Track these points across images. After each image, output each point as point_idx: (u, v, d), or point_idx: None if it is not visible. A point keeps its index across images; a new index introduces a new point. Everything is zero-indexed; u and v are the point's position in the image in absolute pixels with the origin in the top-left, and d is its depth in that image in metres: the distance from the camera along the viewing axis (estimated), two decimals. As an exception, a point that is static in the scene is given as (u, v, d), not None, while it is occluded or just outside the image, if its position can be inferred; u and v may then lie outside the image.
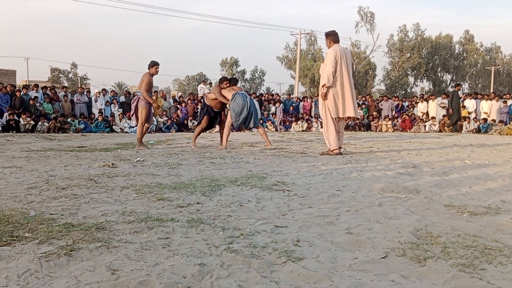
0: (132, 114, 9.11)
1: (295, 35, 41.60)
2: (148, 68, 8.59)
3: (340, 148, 7.05)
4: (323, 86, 6.98)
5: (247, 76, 75.09)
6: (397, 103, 21.67)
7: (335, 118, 6.96)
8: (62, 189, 3.85)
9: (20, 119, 15.35)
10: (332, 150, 6.94)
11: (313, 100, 21.87)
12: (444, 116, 18.85)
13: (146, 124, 8.68)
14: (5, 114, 15.43)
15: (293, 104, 21.69)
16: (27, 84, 26.19)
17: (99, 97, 18.42)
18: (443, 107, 19.18)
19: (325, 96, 6.94)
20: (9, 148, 8.52)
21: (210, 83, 26.89)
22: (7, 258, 2.11)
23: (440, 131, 18.02)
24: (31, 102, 16.20)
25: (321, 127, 19.40)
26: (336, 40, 7.11)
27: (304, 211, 3.17)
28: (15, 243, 2.32)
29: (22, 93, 16.51)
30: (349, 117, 7.32)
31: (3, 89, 16.57)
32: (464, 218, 3.00)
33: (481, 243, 2.42)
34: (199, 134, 9.34)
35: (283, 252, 2.24)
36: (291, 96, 25.91)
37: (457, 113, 17.28)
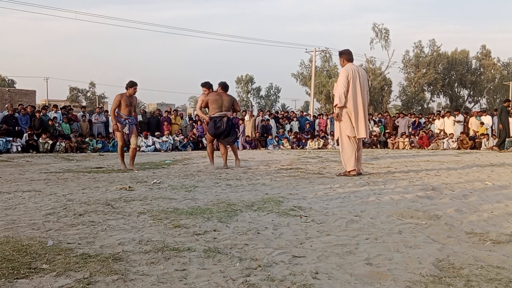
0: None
1: (310, 53, 41.77)
2: (126, 88, 8.62)
3: (359, 169, 6.96)
4: (335, 106, 6.97)
5: (262, 93, 75.46)
6: (413, 119, 21.48)
7: (353, 138, 6.90)
8: (80, 215, 3.86)
9: (39, 139, 15.59)
10: (349, 171, 6.88)
11: (328, 117, 21.81)
12: (461, 133, 18.62)
13: (132, 146, 8.80)
14: (25, 134, 15.70)
15: (308, 122, 21.65)
16: (47, 104, 26.66)
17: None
18: (458, 122, 19.03)
19: (337, 117, 6.91)
20: (28, 170, 8.63)
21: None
22: (25, 292, 2.11)
23: (459, 148, 17.78)
24: (50, 122, 16.47)
25: (337, 144, 19.33)
26: (350, 59, 7.09)
27: (322, 239, 3.12)
28: (33, 275, 2.32)
29: (41, 113, 16.80)
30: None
31: (23, 110, 16.89)
32: (487, 247, 2.92)
33: (505, 276, 2.35)
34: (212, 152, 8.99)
35: (302, 286, 2.20)
36: (304, 113, 25.85)
37: (506, 130, 15.77)
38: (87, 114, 18.79)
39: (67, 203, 4.51)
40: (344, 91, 6.78)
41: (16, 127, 15.98)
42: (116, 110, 8.52)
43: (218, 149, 9.49)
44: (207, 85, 8.84)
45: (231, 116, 8.74)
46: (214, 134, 8.50)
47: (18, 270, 2.38)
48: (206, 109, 8.87)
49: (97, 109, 20.46)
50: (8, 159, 12.05)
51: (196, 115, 8.96)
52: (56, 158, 12.54)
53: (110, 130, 17.91)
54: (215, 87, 8.86)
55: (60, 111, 17.97)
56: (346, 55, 7.08)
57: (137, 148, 9.29)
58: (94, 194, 5.13)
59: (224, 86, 8.64)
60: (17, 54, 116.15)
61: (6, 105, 18.39)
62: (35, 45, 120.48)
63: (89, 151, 16.03)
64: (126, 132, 8.66)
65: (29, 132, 15.65)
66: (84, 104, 50.46)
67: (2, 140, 15.16)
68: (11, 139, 15.35)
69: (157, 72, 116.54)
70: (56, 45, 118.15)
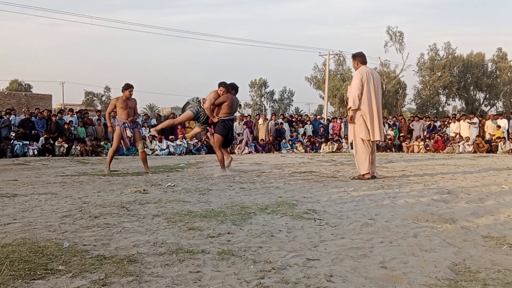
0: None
1: (324, 56, 41.67)
2: (122, 91, 8.60)
3: (373, 172, 6.91)
4: (348, 109, 6.94)
5: (276, 96, 75.46)
6: (428, 123, 21.28)
7: (367, 141, 6.86)
8: (95, 217, 3.90)
9: (55, 142, 15.78)
10: (363, 175, 6.84)
11: (342, 120, 21.72)
12: (477, 136, 18.40)
13: (139, 151, 8.75)
14: (41, 138, 15.90)
15: (322, 125, 21.57)
16: (62, 108, 27.01)
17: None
18: (472, 124, 18.80)
19: (351, 120, 6.88)
20: (44, 173, 8.73)
21: (240, 105, 27.07)
22: (42, 293, 2.14)
23: (475, 152, 17.57)
24: (65, 126, 16.65)
25: (351, 148, 19.24)
26: (364, 62, 7.05)
27: (336, 242, 3.11)
28: (49, 276, 2.35)
29: (57, 117, 17.01)
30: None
31: (39, 114, 17.12)
32: (504, 251, 2.88)
33: (524, 280, 2.31)
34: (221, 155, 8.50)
35: (316, 289, 2.19)
36: (317, 116, 25.73)
37: None
38: (102, 118, 18.95)
39: (83, 205, 4.56)
40: (358, 93, 6.75)
41: (33, 131, 16.18)
42: (116, 114, 8.54)
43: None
44: (226, 86, 8.30)
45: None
46: (226, 136, 8.31)
47: (34, 271, 2.41)
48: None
49: (112, 112, 20.63)
50: (25, 162, 12.21)
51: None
52: (71, 162, 12.68)
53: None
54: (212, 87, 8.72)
55: (75, 115, 18.17)
56: (360, 58, 7.04)
57: (145, 151, 9.20)
58: (109, 197, 5.17)
59: (236, 89, 8.51)
60: (33, 59, 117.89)
61: (23, 109, 18.63)
62: (51, 50, 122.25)
63: (104, 155, 16.15)
64: (129, 136, 8.62)
65: (45, 135, 15.85)
66: (99, 108, 50.95)
67: (19, 144, 15.37)
68: (27, 142, 15.56)
69: (171, 76, 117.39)
70: (72, 49, 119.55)
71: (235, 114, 8.49)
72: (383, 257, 2.73)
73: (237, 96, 8.63)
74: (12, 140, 15.45)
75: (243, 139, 19.31)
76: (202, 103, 8.33)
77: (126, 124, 8.58)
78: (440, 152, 18.14)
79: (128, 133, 8.60)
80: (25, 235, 3.25)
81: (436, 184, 6.28)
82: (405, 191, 5.52)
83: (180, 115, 10.31)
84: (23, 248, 2.84)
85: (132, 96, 8.77)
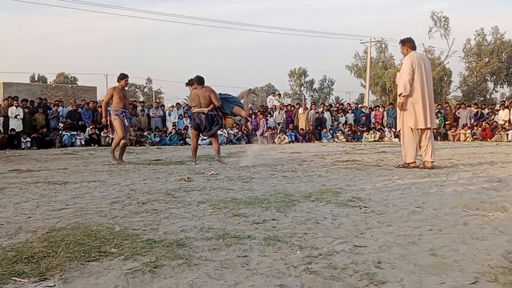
0: (109, 129, 8.98)
1: (365, 43, 40.92)
2: (118, 81, 8.56)
3: (432, 162, 6.65)
4: (399, 95, 6.72)
5: (316, 85, 74.83)
6: (476, 110, 20.56)
7: (416, 129, 6.65)
8: (143, 203, 4.00)
9: (101, 133, 16.27)
10: (408, 163, 6.68)
11: (385, 109, 21.30)
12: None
13: (122, 140, 8.53)
14: (88, 128, 16.43)
15: (364, 114, 21.23)
16: (107, 99, 27.78)
17: (172, 111, 19.11)
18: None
19: (402, 106, 6.67)
20: (92, 162, 9.03)
21: (279, 94, 27.02)
22: (96, 274, 2.22)
23: (525, 140, 16.87)
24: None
25: (395, 137, 18.86)
26: (413, 47, 6.79)
27: (383, 229, 3.06)
28: (103, 258, 2.44)
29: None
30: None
31: (86, 105, 17.66)
32: (562, 240, 2.76)
33: None
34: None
35: (365, 275, 2.17)
36: (359, 105, 25.28)
37: None
38: (146, 108, 19.37)
39: (130, 192, 4.69)
40: (409, 79, 6.48)
41: (80, 122, 16.76)
42: (112, 103, 8.40)
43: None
44: (189, 83, 8.52)
45: (212, 112, 8.16)
46: (195, 129, 8.40)
47: (89, 253, 2.50)
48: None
49: (154, 103, 21.06)
50: (73, 152, 12.67)
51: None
52: (117, 151, 13.02)
53: (167, 124, 18.44)
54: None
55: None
56: (409, 43, 6.77)
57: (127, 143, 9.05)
58: (154, 185, 5.30)
59: (198, 81, 8.23)
60: (78, 52, 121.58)
61: (70, 101, 19.30)
62: (95, 43, 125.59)
63: (147, 145, 16.55)
64: (126, 125, 8.60)
65: (92, 126, 16.36)
66: (141, 99, 52.04)
67: (67, 134, 15.95)
68: (75, 133, 16.13)
69: (211, 67, 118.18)
70: (115, 42, 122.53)
71: (203, 108, 8.17)
72: (432, 245, 2.67)
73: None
74: (61, 131, 16.04)
75: (282, 128, 19.29)
76: None
77: (123, 113, 8.54)
78: (488, 141, 17.54)
79: (126, 122, 8.57)
80: (77, 219, 3.37)
81: (486, 172, 6.08)
82: (453, 179, 5.38)
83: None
84: (77, 231, 2.95)
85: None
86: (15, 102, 15.86)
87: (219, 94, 8.35)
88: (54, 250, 2.54)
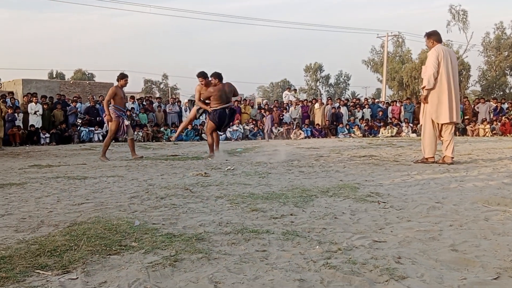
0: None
1: (382, 38, 40.49)
2: (117, 80, 8.61)
3: (452, 158, 6.54)
4: (422, 88, 6.61)
5: (332, 80, 74.38)
6: (495, 105, 20.21)
7: (438, 124, 6.53)
8: (161, 198, 4.03)
9: (119, 129, 16.40)
10: (427, 158, 6.59)
11: (402, 104, 21.08)
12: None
13: (127, 137, 8.67)
14: (105, 124, 16.57)
15: (381, 109, 21.03)
16: (124, 95, 28.06)
17: (188, 106, 19.17)
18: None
19: (425, 99, 6.55)
20: (110, 157, 9.11)
21: (295, 90, 26.91)
22: (118, 267, 2.24)
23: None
24: (128, 113, 17.24)
25: (412, 132, 18.66)
26: (439, 40, 6.64)
27: (403, 225, 3.04)
28: (124, 252, 2.47)
29: (120, 104, 17.64)
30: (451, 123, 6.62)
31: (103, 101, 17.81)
32: None
33: None
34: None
35: (385, 270, 2.16)
36: (376, 100, 24.99)
37: None
38: (162, 104, 19.47)
39: (149, 187, 4.73)
40: (434, 72, 6.36)
41: (98, 118, 16.92)
42: (114, 103, 8.42)
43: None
44: (202, 75, 8.67)
45: (232, 105, 8.71)
46: (219, 125, 8.61)
47: (110, 247, 2.54)
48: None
49: (171, 99, 21.17)
50: (91, 147, 12.82)
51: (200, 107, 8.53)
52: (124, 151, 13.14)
53: (183, 119, 18.52)
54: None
55: (137, 102, 18.77)
56: (435, 36, 6.62)
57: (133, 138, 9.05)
58: (172, 180, 5.33)
59: (219, 77, 8.50)
60: (95, 49, 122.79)
61: (88, 97, 19.51)
62: (111, 40, 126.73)
63: (164, 140, 16.65)
64: (127, 124, 8.64)
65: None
66: (157, 95, 52.37)
67: (85, 130, 16.15)
68: (93, 128, 16.30)
69: (225, 62, 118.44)
70: (131, 39, 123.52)
71: (228, 103, 8.55)
72: (453, 240, 2.65)
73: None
74: (79, 127, 16.23)
75: (298, 123, 19.23)
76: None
77: (124, 113, 8.68)
78: (507, 136, 17.26)
79: (126, 122, 8.65)
80: (98, 214, 3.41)
81: (506, 167, 5.99)
82: (473, 175, 5.31)
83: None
84: (97, 225, 2.99)
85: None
86: (34, 98, 16.10)
87: None
88: (76, 243, 2.58)
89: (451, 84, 6.37)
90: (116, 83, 8.80)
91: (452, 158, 6.54)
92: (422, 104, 6.71)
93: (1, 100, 14.83)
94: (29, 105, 15.90)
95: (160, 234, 2.80)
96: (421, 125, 6.89)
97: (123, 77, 8.64)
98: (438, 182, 4.82)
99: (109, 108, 8.48)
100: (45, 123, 15.82)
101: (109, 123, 8.61)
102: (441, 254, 2.41)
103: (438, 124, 6.49)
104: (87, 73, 68.35)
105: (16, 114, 15.22)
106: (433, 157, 6.56)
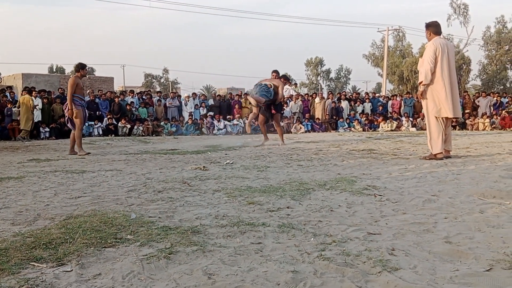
0: (67, 121, 8.71)
1: (382, 32, 40.37)
2: (77, 71, 8.53)
3: (449, 151, 6.50)
4: (419, 83, 6.48)
5: (332, 75, 74.19)
6: (495, 99, 20.18)
7: (441, 118, 6.38)
8: (159, 192, 4.05)
9: (119, 123, 16.42)
10: (435, 155, 6.36)
11: (402, 98, 21.07)
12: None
13: (72, 129, 8.43)
14: (105, 119, 16.58)
15: (381, 103, 21.00)
16: (124, 90, 28.01)
17: (188, 101, 19.17)
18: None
19: (422, 95, 6.45)
20: (109, 152, 9.13)
21: (295, 84, 26.86)
22: (112, 260, 2.26)
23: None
24: (127, 107, 17.25)
25: (412, 126, 18.66)
26: (437, 32, 6.45)
27: (398, 217, 3.05)
28: (119, 245, 2.48)
29: (120, 99, 17.64)
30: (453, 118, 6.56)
31: (103, 95, 17.82)
32: None
33: None
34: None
35: (378, 262, 2.17)
36: (376, 94, 24.92)
37: None
38: (162, 98, 19.47)
39: (147, 181, 4.74)
40: (431, 67, 6.24)
41: (97, 112, 16.92)
42: (76, 93, 8.29)
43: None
44: (276, 72, 10.16)
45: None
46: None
47: (105, 240, 2.55)
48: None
49: (171, 93, 21.15)
50: (90, 142, 12.83)
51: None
52: (133, 141, 13.17)
53: (183, 114, 18.52)
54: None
55: (136, 96, 18.75)
56: (433, 28, 6.45)
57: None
58: (170, 173, 5.34)
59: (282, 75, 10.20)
60: (95, 43, 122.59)
61: (88, 91, 19.49)
62: (112, 34, 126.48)
63: (164, 134, 16.66)
64: (87, 115, 8.62)
65: (109, 116, 16.51)
66: (158, 89, 52.30)
67: (85, 124, 16.13)
68: (92, 123, 16.31)
69: (227, 57, 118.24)
70: (131, 33, 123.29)
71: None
72: (447, 233, 2.66)
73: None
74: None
75: (299, 117, 19.22)
76: (271, 87, 9.68)
77: (84, 102, 8.59)
78: (507, 130, 17.25)
79: (86, 113, 8.66)
80: (94, 207, 3.43)
81: (504, 161, 5.99)
82: (470, 168, 5.31)
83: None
84: (93, 219, 3.00)
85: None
86: (34, 92, 16.07)
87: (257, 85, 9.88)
88: (72, 236, 2.59)
89: (450, 78, 6.29)
90: (76, 74, 8.61)
91: (450, 151, 6.53)
92: (422, 101, 6.62)
93: (4, 93, 14.80)
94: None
95: (156, 227, 2.81)
96: (426, 123, 6.74)
97: (83, 67, 8.66)
98: (435, 175, 4.82)
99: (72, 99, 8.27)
100: (45, 117, 15.82)
101: (73, 116, 8.30)
102: (435, 246, 2.42)
103: (442, 119, 6.37)
104: (87, 68, 68.22)
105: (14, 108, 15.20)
106: (442, 152, 6.38)
